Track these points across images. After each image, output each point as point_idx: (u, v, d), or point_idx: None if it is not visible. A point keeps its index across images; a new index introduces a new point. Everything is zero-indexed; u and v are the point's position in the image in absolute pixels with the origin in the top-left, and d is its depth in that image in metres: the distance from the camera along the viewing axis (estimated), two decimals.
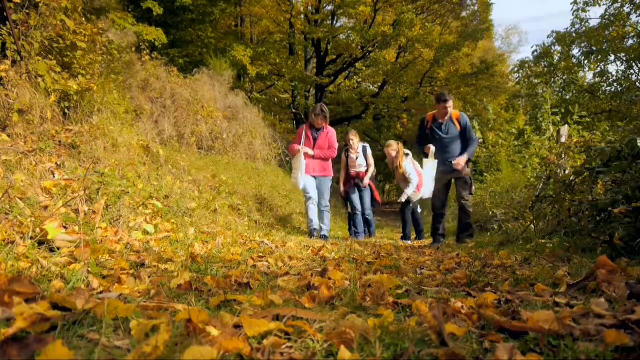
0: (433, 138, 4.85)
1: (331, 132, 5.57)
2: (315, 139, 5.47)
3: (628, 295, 1.23)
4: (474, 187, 4.92)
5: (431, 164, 4.83)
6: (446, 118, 4.81)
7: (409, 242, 5.84)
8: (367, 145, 6.34)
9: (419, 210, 6.67)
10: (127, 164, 3.71)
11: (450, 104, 4.76)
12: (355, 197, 6.15)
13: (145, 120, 6.55)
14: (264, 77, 17.52)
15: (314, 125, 5.47)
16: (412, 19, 15.88)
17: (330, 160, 5.62)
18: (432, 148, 4.76)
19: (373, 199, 6.40)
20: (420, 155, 5.81)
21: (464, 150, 4.84)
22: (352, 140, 6.19)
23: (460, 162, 4.65)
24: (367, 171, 6.20)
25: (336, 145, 5.59)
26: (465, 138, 4.82)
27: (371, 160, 6.22)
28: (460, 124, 4.80)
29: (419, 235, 6.53)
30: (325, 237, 5.31)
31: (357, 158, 6.16)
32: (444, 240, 5.00)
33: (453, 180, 5.03)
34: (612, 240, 2.36)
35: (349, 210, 6.55)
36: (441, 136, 4.81)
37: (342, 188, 6.30)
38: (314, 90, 18.30)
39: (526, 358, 0.78)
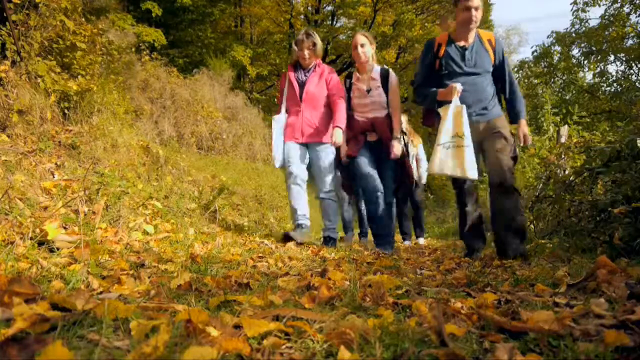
0: (447, 74, 2.81)
1: (327, 71, 3.59)
2: (302, 86, 3.52)
3: (628, 295, 1.23)
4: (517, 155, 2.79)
5: (457, 111, 2.67)
6: (471, 40, 2.82)
7: (410, 242, 5.52)
8: (390, 70, 3.45)
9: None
10: (126, 164, 3.71)
11: (475, 2, 2.71)
12: (364, 163, 3.30)
13: (145, 121, 6.56)
14: (264, 77, 17.53)
15: (301, 63, 3.59)
16: (411, 19, 15.90)
17: (328, 115, 3.54)
18: (459, 86, 2.68)
19: (402, 176, 3.49)
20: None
21: (500, 101, 2.89)
22: (362, 50, 3.31)
23: (525, 130, 2.81)
24: (388, 116, 3.34)
25: (342, 88, 3.53)
26: (500, 79, 2.84)
27: (397, 98, 3.39)
28: (495, 52, 2.83)
29: (405, 236, 5.66)
30: (332, 241, 3.51)
31: (369, 90, 3.34)
32: (482, 249, 2.96)
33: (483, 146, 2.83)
34: (611, 240, 2.36)
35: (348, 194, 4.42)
36: (463, 70, 2.77)
37: (342, 152, 3.43)
38: None
39: (526, 358, 0.78)
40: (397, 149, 3.30)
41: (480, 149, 2.83)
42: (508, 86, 2.85)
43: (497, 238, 2.75)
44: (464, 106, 2.66)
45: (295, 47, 3.57)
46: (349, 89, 3.49)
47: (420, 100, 3.04)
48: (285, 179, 3.59)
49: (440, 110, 2.76)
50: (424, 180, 5.76)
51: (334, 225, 3.61)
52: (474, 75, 2.79)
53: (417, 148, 5.58)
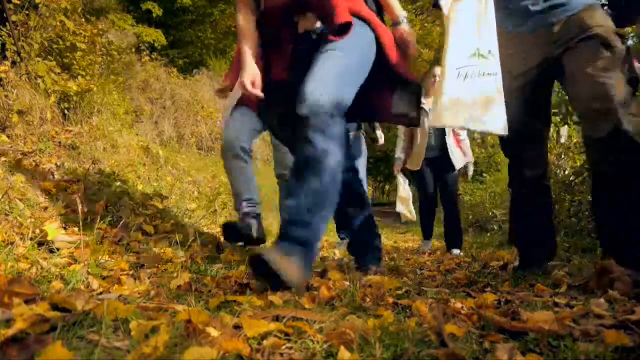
0: None
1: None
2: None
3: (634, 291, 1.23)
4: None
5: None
6: None
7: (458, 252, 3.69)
8: None
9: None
10: (126, 165, 3.70)
11: None
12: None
13: (144, 121, 6.56)
14: None
15: None
16: (411, 19, 15.91)
17: None
18: None
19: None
20: None
21: None
22: None
23: None
24: None
25: None
26: None
27: None
28: None
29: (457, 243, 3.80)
30: (249, 235, 2.48)
31: None
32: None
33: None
34: None
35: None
36: None
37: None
38: None
39: (526, 358, 0.78)
40: (406, 32, 1.59)
41: (555, 73, 1.48)
42: None
43: (612, 240, 1.55)
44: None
45: None
46: None
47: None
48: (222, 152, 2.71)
49: (441, 0, 1.47)
50: (459, 164, 3.81)
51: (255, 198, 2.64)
52: None
53: None
